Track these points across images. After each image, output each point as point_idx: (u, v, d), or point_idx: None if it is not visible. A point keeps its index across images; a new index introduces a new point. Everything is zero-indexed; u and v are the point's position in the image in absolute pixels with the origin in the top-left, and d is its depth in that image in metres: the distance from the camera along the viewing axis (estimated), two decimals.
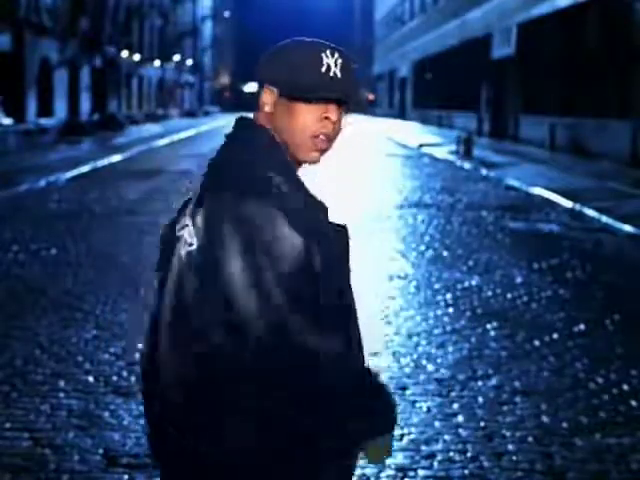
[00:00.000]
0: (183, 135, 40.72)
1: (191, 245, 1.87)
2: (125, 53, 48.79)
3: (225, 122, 63.86)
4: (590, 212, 13.78)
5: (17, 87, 30.01)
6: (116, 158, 25.52)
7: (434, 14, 50.92)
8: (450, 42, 44.44)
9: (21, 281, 8.50)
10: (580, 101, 25.71)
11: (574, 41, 26.40)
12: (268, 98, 1.97)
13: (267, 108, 1.97)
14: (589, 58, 25.14)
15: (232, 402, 1.84)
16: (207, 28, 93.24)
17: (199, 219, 1.86)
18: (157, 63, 61.69)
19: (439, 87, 48.87)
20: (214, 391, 1.84)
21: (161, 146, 32.44)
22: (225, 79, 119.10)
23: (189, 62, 79.43)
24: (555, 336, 6.75)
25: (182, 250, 1.90)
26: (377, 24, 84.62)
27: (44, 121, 32.17)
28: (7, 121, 28.44)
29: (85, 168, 21.75)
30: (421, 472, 4.31)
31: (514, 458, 4.47)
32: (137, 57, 53.13)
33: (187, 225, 1.91)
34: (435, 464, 4.40)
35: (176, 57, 70.11)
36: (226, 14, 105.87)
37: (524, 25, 31.63)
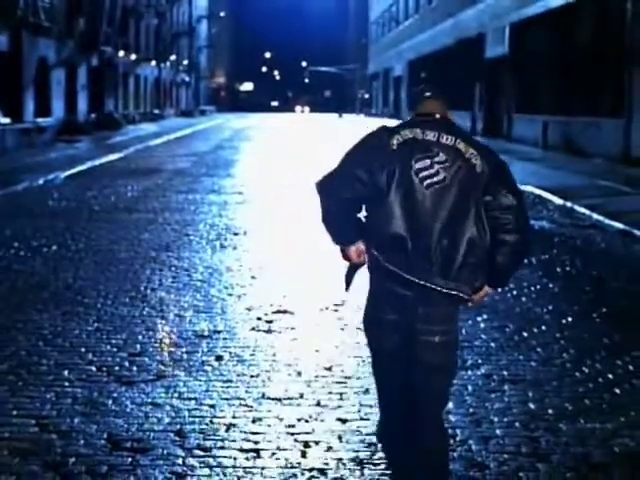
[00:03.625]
0: (179, 134, 40.87)
1: (480, 167, 3.66)
2: (122, 53, 48.89)
3: (222, 121, 63.98)
4: (581, 209, 13.98)
5: (15, 86, 30.09)
6: (113, 157, 25.67)
7: (428, 14, 51.10)
8: (444, 42, 44.63)
9: (23, 276, 8.68)
10: (572, 100, 25.92)
11: (566, 41, 26.61)
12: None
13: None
14: (581, 57, 25.36)
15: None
16: (203, 28, 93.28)
17: (488, 155, 3.72)
18: (153, 63, 61.78)
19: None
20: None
21: (158, 145, 32.59)
22: (221, 79, 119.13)
23: (185, 62, 79.52)
24: (543, 328, 6.96)
25: (456, 162, 3.65)
26: (372, 24, 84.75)
27: (42, 120, 32.29)
28: (5, 120, 28.56)
29: (83, 167, 21.92)
30: None
31: (501, 442, 4.67)
32: (133, 57, 53.23)
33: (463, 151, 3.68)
34: None
35: (172, 57, 70.21)
36: (222, 14, 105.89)
37: (517, 25, 31.83)
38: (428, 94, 3.91)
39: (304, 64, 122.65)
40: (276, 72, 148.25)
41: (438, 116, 3.81)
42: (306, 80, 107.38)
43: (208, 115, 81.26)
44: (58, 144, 30.75)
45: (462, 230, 3.61)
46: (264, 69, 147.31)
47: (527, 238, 3.77)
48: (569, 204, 14.59)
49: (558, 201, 15.09)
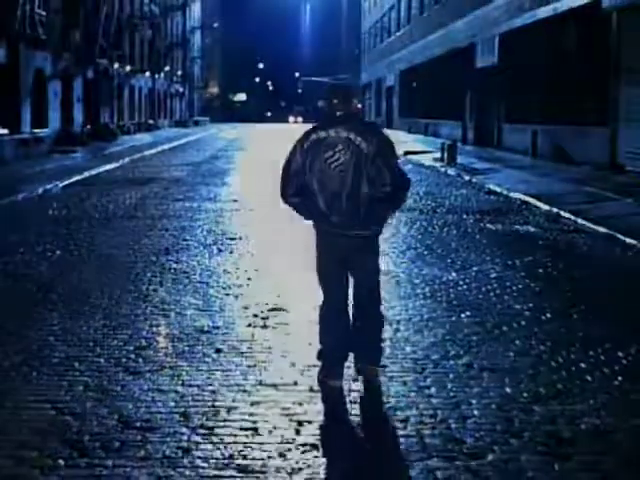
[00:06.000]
0: (174, 144, 41.30)
1: (366, 148, 5.33)
2: (117, 64, 49.32)
3: (215, 131, 64.40)
4: (566, 215, 14.43)
5: (12, 98, 30.51)
6: (110, 167, 26.09)
7: (419, 24, 51.64)
8: (435, 52, 45.15)
9: (31, 279, 9.10)
10: (561, 109, 26.43)
11: (555, 51, 27.15)
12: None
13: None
14: (569, 67, 25.88)
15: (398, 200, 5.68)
16: (196, 39, 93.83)
17: (372, 138, 5.38)
18: (148, 74, 62.24)
19: (425, 96, 49.60)
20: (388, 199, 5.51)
21: (153, 155, 33.01)
22: (214, 89, 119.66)
23: (179, 72, 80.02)
24: (523, 323, 7.40)
25: (350, 148, 5.38)
26: (364, 34, 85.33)
27: (39, 131, 32.68)
28: (3, 131, 28.96)
29: (80, 176, 22.30)
30: (396, 432, 4.95)
31: (478, 421, 5.11)
32: (128, 68, 53.68)
33: (353, 138, 5.39)
34: (409, 426, 5.03)
35: (166, 68, 70.70)
36: (215, 25, 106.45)
37: (506, 35, 32.36)
38: (335, 101, 5.57)
39: (297, 74, 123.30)
40: (269, 83, 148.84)
41: (339, 114, 5.53)
42: (299, 90, 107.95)
43: (202, 125, 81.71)
44: (55, 155, 31.13)
45: (361, 191, 5.37)
46: (257, 80, 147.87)
47: (398, 199, 5.60)
48: (555, 210, 15.03)
49: (544, 207, 15.54)
